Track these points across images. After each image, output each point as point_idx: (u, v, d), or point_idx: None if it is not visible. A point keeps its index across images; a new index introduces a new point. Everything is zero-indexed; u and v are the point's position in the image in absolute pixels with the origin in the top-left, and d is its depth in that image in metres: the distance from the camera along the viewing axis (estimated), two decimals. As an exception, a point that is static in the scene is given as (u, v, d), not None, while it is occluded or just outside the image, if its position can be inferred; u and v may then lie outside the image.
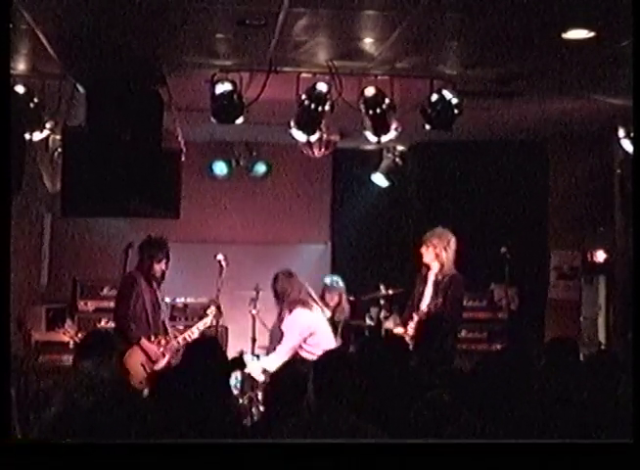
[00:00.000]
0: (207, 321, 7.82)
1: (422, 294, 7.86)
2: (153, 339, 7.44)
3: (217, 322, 7.93)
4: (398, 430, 4.43)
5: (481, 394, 4.15)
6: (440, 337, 6.16)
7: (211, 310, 7.85)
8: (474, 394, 4.23)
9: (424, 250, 7.84)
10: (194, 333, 7.67)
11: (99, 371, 5.29)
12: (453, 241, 7.81)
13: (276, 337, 7.86)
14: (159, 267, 7.56)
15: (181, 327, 8.30)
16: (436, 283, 7.76)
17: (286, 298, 7.39)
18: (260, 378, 7.03)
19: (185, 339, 7.58)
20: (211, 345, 5.47)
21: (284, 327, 7.39)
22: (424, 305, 7.74)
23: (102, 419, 4.61)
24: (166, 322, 7.79)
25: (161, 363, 7.41)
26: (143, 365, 7.32)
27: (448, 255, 7.76)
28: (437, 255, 7.76)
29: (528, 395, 4.43)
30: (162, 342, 7.47)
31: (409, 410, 4.68)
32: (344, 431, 4.03)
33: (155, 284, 7.58)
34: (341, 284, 8.59)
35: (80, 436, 4.53)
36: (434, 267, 7.80)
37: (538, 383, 5.12)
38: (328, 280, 8.62)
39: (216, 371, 4.98)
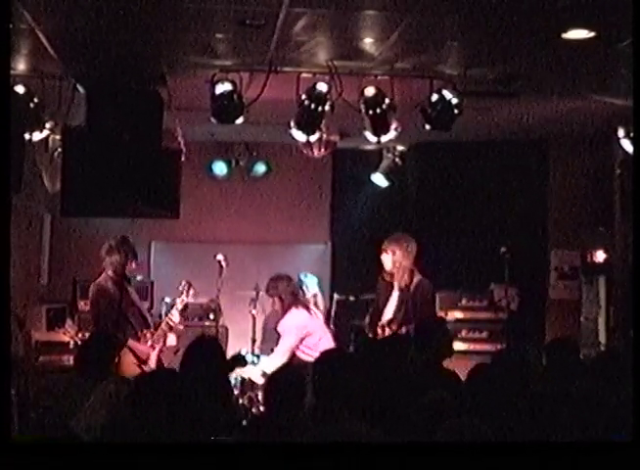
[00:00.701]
0: (182, 298, 7.76)
1: (386, 303, 7.64)
2: (139, 334, 7.44)
3: (184, 296, 7.77)
4: (398, 430, 4.43)
5: (482, 394, 4.15)
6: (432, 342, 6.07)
7: (183, 286, 7.78)
8: (474, 394, 4.24)
9: (383, 257, 7.64)
10: (173, 315, 7.64)
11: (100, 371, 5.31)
12: (413, 246, 7.61)
13: (272, 338, 7.85)
14: (131, 266, 7.56)
15: (180, 327, 8.27)
16: (401, 290, 7.56)
17: (281, 300, 7.39)
18: (260, 381, 7.01)
19: (167, 324, 7.56)
20: (211, 345, 5.47)
21: (280, 329, 7.38)
22: (389, 314, 7.54)
23: (102, 419, 4.62)
24: (146, 314, 7.76)
25: (154, 356, 7.41)
26: (137, 364, 7.32)
27: (408, 260, 7.55)
28: (396, 261, 7.55)
29: (529, 394, 4.43)
30: (148, 335, 7.48)
31: (408, 410, 4.68)
32: (344, 431, 4.03)
33: (126, 283, 7.57)
34: (311, 291, 8.35)
35: (80, 435, 4.53)
36: (396, 274, 7.60)
37: (538, 383, 5.13)
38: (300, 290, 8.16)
39: (216, 371, 4.98)
